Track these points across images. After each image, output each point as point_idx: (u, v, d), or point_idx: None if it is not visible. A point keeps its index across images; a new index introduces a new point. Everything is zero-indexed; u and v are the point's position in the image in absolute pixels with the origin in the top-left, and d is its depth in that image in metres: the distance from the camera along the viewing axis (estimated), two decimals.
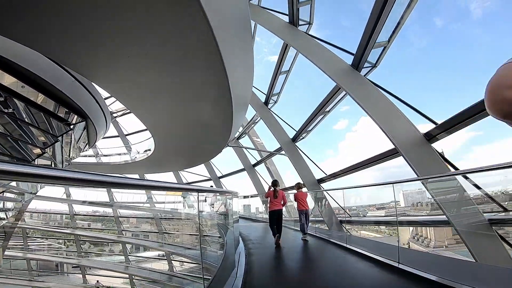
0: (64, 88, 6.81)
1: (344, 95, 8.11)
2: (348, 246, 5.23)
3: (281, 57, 9.80)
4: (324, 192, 9.87)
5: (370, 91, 6.30)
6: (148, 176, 21.76)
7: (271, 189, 6.28)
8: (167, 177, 20.92)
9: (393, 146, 6.36)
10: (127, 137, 20.06)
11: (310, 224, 7.70)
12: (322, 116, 9.81)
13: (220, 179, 19.03)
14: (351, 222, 10.44)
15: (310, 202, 8.25)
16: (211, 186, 15.87)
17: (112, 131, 18.96)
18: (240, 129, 15.14)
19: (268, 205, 6.29)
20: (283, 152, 11.68)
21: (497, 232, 4.80)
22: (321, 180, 10.60)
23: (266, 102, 12.16)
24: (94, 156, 18.73)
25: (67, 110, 7.77)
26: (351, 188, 7.51)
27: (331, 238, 6.38)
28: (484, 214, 4.84)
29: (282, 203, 6.18)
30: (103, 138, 20.00)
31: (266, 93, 12.03)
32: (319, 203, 10.05)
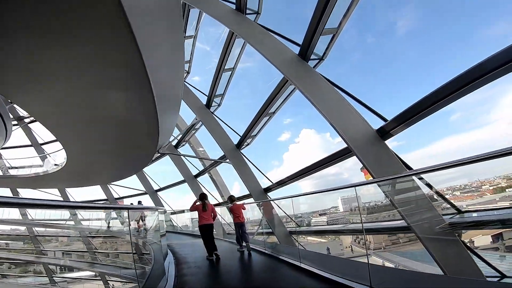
0: None
1: (292, 91, 7.37)
2: (302, 265, 4.20)
3: (225, 50, 8.68)
4: (271, 202, 8.90)
5: (318, 84, 5.58)
6: (72, 190, 18.41)
7: (197, 203, 5.98)
8: (94, 191, 17.86)
9: (345, 146, 5.72)
10: (42, 146, 16.50)
11: (252, 237, 7.33)
12: (268, 118, 8.94)
13: (158, 193, 16.76)
14: (302, 233, 9.68)
15: (258, 213, 8.17)
16: (139, 202, 13.97)
17: (24, 139, 15.73)
18: (178, 135, 13.47)
19: (198, 219, 5.89)
20: (227, 160, 10.44)
21: (460, 238, 4.39)
22: (268, 189, 9.64)
23: (208, 105, 10.87)
24: None
25: None
26: (300, 196, 6.93)
27: (281, 255, 5.38)
28: (444, 217, 4.42)
29: (212, 216, 5.90)
30: (13, 147, 16.32)
31: (207, 95, 10.75)
32: (268, 214, 9.06)
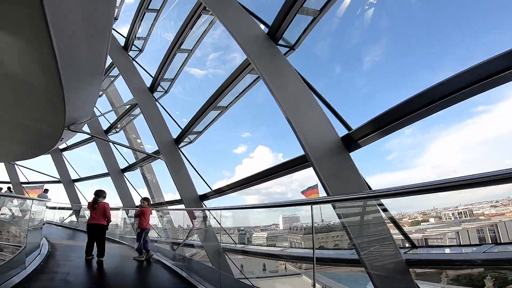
0: None
1: (250, 84, 6.20)
2: None
3: (185, 25, 7.12)
4: (207, 212, 7.36)
5: (284, 71, 4.49)
6: None
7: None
8: None
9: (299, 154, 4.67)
10: None
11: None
12: (218, 113, 7.58)
13: (75, 183, 13.75)
14: (237, 252, 8.29)
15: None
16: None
17: None
18: (110, 117, 11.19)
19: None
20: (160, 156, 8.66)
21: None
22: (204, 197, 8.10)
23: (152, 89, 9.07)
24: None
25: None
26: (246, 208, 6.20)
27: (197, 279, 4.23)
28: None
29: (104, 216, 5.48)
30: None
31: (153, 76, 8.98)
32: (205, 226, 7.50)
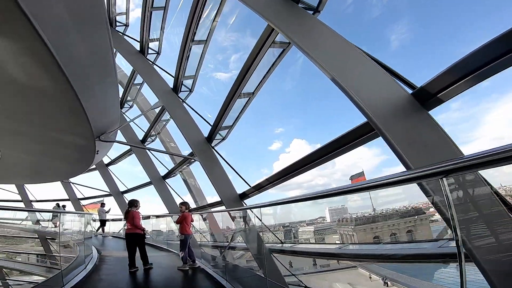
0: None
1: (279, 56, 5.23)
2: None
3: (193, 11, 6.45)
4: (249, 211, 6.58)
5: (315, 29, 3.43)
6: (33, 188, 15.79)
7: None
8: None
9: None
10: None
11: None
12: (246, 102, 6.74)
13: (124, 195, 14.15)
14: (286, 252, 7.44)
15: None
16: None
17: None
18: (142, 124, 11.08)
19: None
20: (195, 157, 8.11)
21: None
22: (244, 195, 7.34)
23: (176, 89, 8.60)
24: None
25: None
26: (288, 202, 5.07)
27: None
28: None
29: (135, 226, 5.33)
30: None
31: (174, 75, 8.48)
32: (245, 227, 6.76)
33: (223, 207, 8.12)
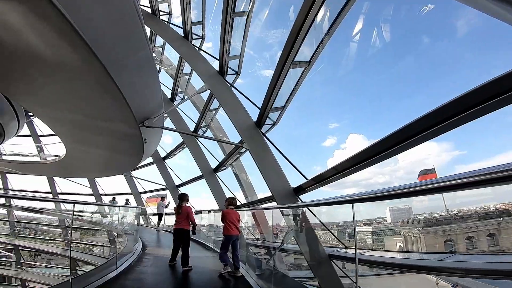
0: None
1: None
2: None
3: None
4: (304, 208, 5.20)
5: None
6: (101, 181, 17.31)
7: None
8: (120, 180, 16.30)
9: None
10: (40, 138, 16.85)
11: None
12: (303, 70, 5.39)
13: (179, 188, 14.16)
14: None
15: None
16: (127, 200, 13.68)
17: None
18: (195, 116, 10.59)
19: None
20: (244, 144, 7.09)
21: None
22: (300, 189, 5.99)
23: (222, 71, 7.73)
24: None
25: None
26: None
27: None
28: None
29: (188, 221, 4.96)
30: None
31: (219, 57, 7.59)
32: (297, 225, 5.44)
33: (273, 203, 6.93)
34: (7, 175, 18.36)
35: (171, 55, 12.21)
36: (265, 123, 7.11)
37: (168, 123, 11.39)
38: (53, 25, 3.13)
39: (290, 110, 7.32)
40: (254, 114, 7.17)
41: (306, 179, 6.03)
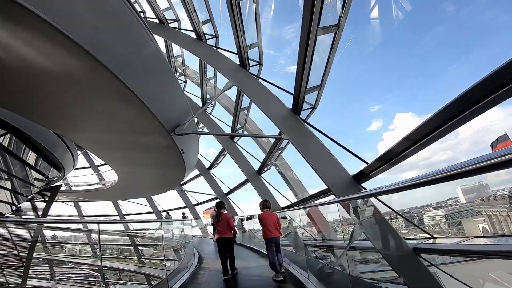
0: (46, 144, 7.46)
1: None
2: None
3: None
4: (372, 199, 4.06)
5: None
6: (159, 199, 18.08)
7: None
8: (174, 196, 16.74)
9: None
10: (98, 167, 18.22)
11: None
12: (333, 36, 4.33)
13: (228, 196, 13.83)
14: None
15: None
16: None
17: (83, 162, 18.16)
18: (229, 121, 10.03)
19: None
20: (284, 136, 6.20)
21: None
22: (362, 176, 4.86)
23: (244, 64, 7.00)
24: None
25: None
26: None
27: None
28: None
29: (230, 229, 4.78)
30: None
31: (236, 47, 6.88)
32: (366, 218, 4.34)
33: (330, 197, 5.88)
34: (79, 203, 20.44)
35: (194, 64, 12.01)
36: (303, 109, 6.16)
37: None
38: (40, 33, 2.73)
39: (327, 98, 6.24)
40: (288, 102, 6.30)
41: (366, 163, 4.89)
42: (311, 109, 6.25)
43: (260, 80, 6.97)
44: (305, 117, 6.11)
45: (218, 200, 5.35)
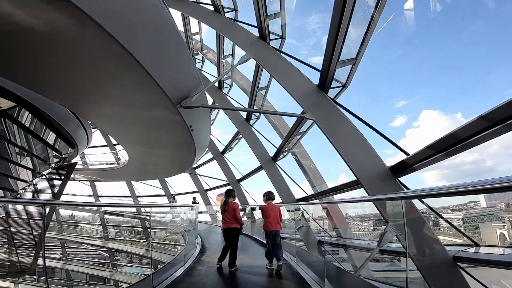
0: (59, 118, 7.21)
1: None
2: None
3: None
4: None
5: None
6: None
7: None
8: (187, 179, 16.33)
9: None
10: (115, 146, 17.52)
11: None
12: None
13: (240, 183, 13.17)
14: None
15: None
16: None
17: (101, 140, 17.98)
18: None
19: None
20: (307, 114, 5.27)
21: None
22: (403, 167, 3.89)
23: (264, 37, 6.07)
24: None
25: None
26: None
27: None
28: None
29: (236, 220, 4.37)
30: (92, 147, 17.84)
31: (256, 19, 5.94)
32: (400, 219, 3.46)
33: (355, 192, 4.97)
34: (95, 183, 20.63)
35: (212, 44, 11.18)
36: (332, 87, 5.20)
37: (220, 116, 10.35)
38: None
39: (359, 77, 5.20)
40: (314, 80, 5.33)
41: (406, 154, 3.93)
42: (341, 87, 5.28)
43: (282, 54, 6.05)
44: (333, 96, 5.16)
45: (229, 187, 4.73)
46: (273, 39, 6.45)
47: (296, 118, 6.86)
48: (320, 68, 5.06)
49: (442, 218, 4.42)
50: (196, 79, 4.98)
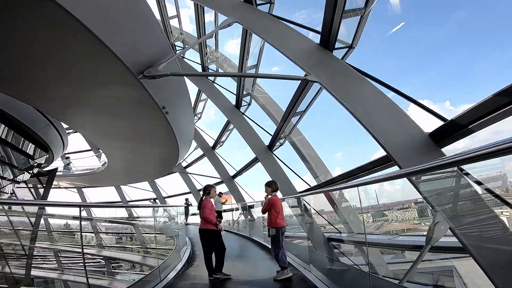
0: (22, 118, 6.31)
1: None
2: None
3: None
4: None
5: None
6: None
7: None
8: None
9: None
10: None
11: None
12: None
13: (234, 179, 12.02)
14: None
15: None
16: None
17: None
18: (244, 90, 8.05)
19: None
20: (309, 76, 4.15)
21: None
22: (451, 130, 2.82)
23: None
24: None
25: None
26: None
27: None
28: None
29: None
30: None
31: None
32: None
33: (383, 172, 3.91)
34: (83, 189, 19.15)
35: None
36: (336, 47, 4.12)
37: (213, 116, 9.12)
38: None
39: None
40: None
41: (444, 120, 2.89)
42: (347, 48, 4.20)
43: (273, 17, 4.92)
44: (341, 57, 4.07)
45: (208, 184, 4.19)
46: (260, 4, 5.35)
47: (293, 100, 5.79)
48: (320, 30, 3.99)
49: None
50: (163, 45, 3.82)
